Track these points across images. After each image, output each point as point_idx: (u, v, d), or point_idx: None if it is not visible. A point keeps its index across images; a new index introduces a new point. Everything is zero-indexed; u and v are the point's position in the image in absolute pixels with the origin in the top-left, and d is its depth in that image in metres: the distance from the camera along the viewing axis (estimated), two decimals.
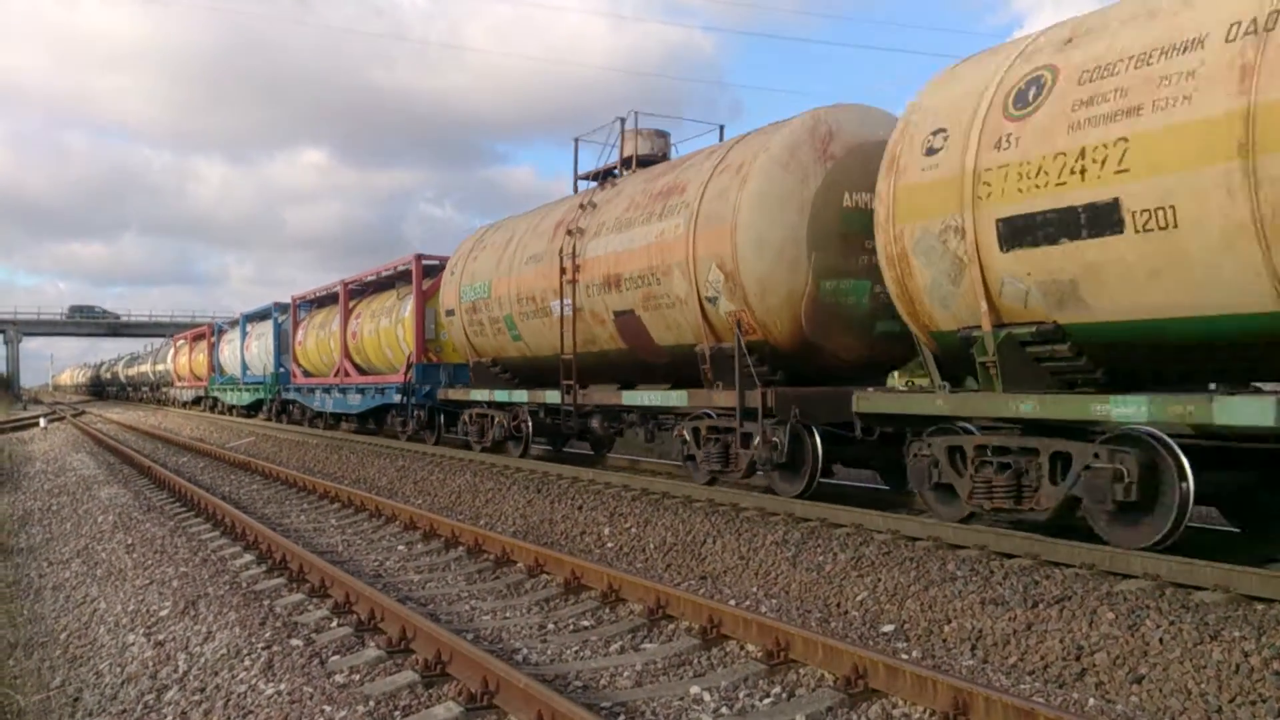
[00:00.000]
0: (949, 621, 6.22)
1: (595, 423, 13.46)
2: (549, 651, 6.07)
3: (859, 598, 6.90)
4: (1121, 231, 6.45)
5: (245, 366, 32.22)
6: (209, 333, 39.29)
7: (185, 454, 22.10)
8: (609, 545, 9.42)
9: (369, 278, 22.88)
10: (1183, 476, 6.59)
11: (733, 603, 7.00)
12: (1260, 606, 5.67)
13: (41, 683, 6.53)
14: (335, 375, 23.36)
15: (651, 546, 9.06)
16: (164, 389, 51.98)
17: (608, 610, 6.95)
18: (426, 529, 10.15)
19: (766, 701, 5.11)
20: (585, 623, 6.73)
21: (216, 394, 36.89)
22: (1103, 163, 6.52)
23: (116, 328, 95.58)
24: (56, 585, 9.13)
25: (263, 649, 5.96)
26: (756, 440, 9.93)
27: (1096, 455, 6.97)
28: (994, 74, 7.67)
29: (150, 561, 9.05)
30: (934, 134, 7.94)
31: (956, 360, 8.13)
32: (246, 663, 5.78)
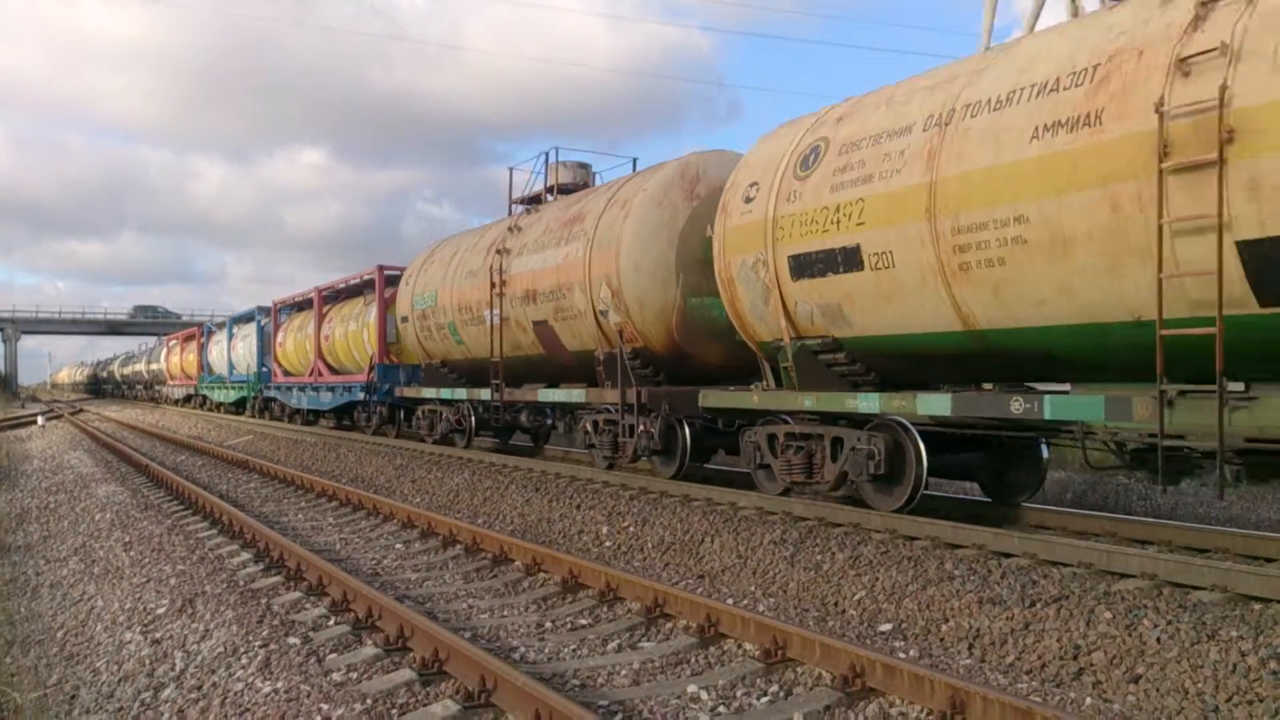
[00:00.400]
0: (946, 620, 6.22)
1: (524, 417, 15.61)
2: (546, 650, 6.07)
3: (856, 597, 6.91)
4: (863, 269, 8.49)
5: (231, 366, 34.14)
6: (199, 334, 41.20)
7: (183, 452, 22.09)
8: (607, 544, 9.42)
9: (340, 285, 24.68)
10: (919, 456, 8.56)
11: (730, 601, 7.01)
12: (1258, 606, 5.68)
13: (39, 680, 6.52)
14: (310, 375, 25.15)
15: (649, 545, 9.06)
16: (157, 387, 54.39)
17: (605, 609, 6.95)
18: (424, 527, 10.15)
19: (764, 700, 5.10)
20: (583, 621, 6.73)
21: (205, 392, 38.93)
22: (850, 217, 8.57)
23: (115, 326, 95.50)
24: (54, 583, 9.12)
25: (260, 647, 5.96)
26: (640, 430, 11.79)
27: (859, 439, 8.90)
28: (791, 141, 9.72)
29: (148, 559, 9.04)
30: (750, 186, 9.97)
31: (775, 365, 9.96)
32: (244, 661, 5.78)
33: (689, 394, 11.31)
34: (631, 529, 9.57)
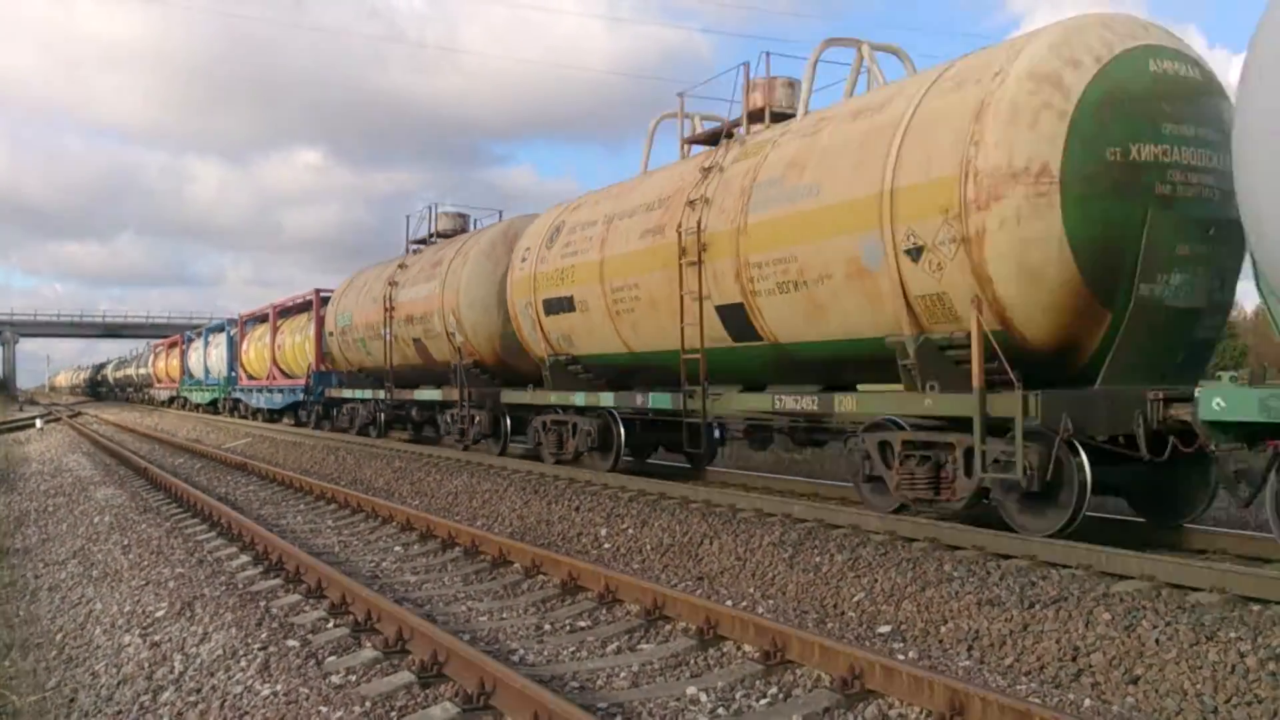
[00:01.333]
0: (945, 622, 6.22)
1: (414, 412, 20.10)
2: (546, 652, 6.07)
3: (856, 598, 6.91)
4: (575, 311, 13.30)
5: (207, 371, 39.12)
6: (180, 341, 46.28)
7: (182, 455, 22.08)
8: (606, 546, 9.42)
9: (289, 303, 29.50)
10: (618, 436, 13.01)
11: (729, 603, 7.01)
12: (1256, 607, 5.68)
13: (37, 683, 6.52)
14: (267, 379, 30.02)
15: (648, 547, 9.06)
16: (145, 389, 60.18)
17: (604, 611, 6.95)
18: (423, 530, 10.14)
19: (763, 702, 5.10)
20: (582, 623, 6.73)
21: (185, 394, 44.02)
22: (569, 276, 13.39)
23: (113, 329, 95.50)
24: (52, 586, 9.11)
25: (259, 650, 5.95)
26: (479, 420, 16.59)
27: (586, 424, 13.33)
28: (549, 220, 14.81)
29: (146, 562, 9.03)
30: (525, 250, 14.92)
31: (545, 373, 14.43)
32: (243, 664, 5.77)
33: (496, 393, 15.94)
34: (630, 531, 9.57)
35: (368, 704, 5.00)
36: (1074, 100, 7.35)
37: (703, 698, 5.15)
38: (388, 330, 19.64)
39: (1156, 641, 5.32)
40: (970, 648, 5.89)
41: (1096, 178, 7.32)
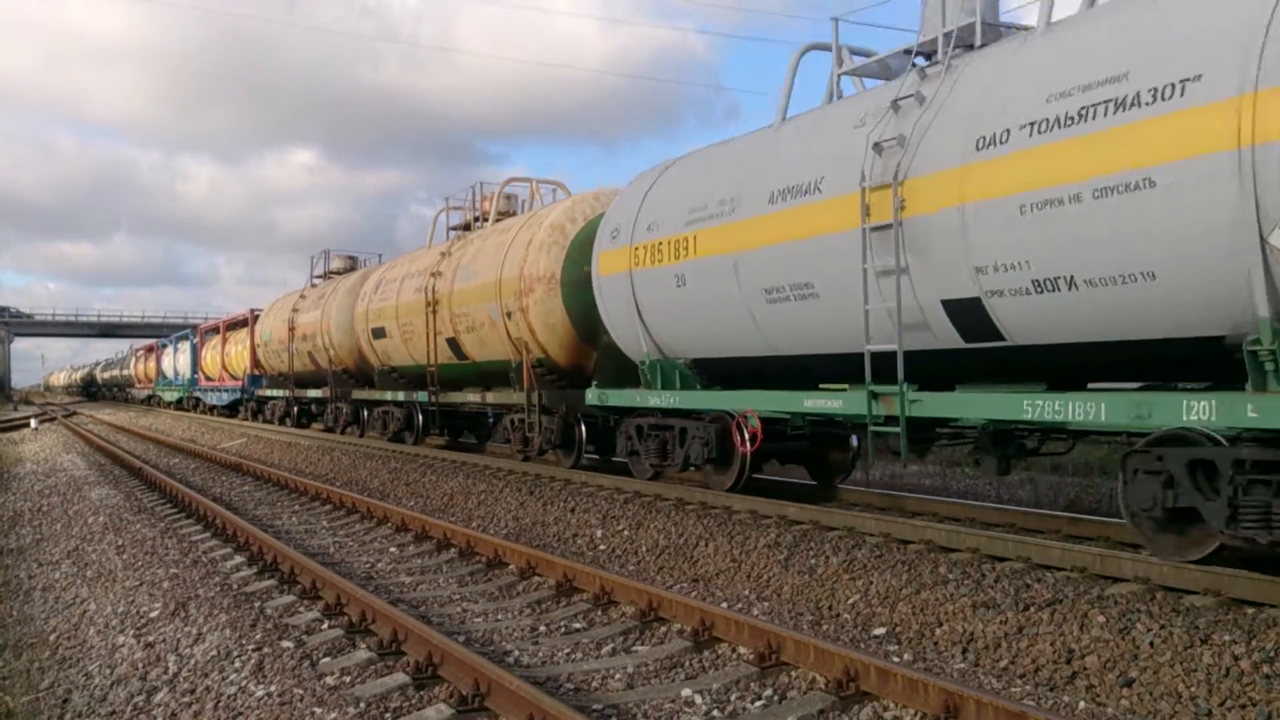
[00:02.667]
0: (940, 624, 6.23)
1: (313, 407, 26.14)
2: (540, 654, 6.06)
3: (851, 601, 6.91)
4: (387, 337, 19.35)
5: (176, 373, 45.96)
6: (156, 347, 54.00)
7: (177, 455, 22.04)
8: (601, 548, 9.42)
9: (235, 319, 36.17)
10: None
11: (725, 605, 7.00)
12: (1250, 610, 5.68)
13: (31, 684, 6.50)
14: (218, 380, 36.84)
15: (644, 549, 9.06)
16: (127, 389, 67.94)
17: (600, 612, 6.95)
18: (418, 531, 10.13)
19: (758, 704, 5.10)
20: (577, 625, 6.72)
21: (159, 393, 51.36)
22: (382, 314, 19.50)
23: (108, 329, 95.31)
24: (46, 586, 9.09)
25: (253, 651, 5.95)
26: (344, 410, 22.57)
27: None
28: (366, 275, 22.41)
29: (141, 563, 9.01)
30: (362, 293, 21.26)
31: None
32: (237, 664, 5.76)
33: (350, 390, 22.73)
34: (626, 532, 9.56)
35: (362, 705, 4.99)
36: (568, 240, 13.88)
37: (698, 699, 5.15)
38: (292, 345, 25.93)
39: (1151, 644, 5.33)
40: (965, 650, 5.89)
41: (577, 280, 13.48)
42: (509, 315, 14.10)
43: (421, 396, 17.94)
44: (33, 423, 36.37)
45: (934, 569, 7.02)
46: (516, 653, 6.07)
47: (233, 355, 34.23)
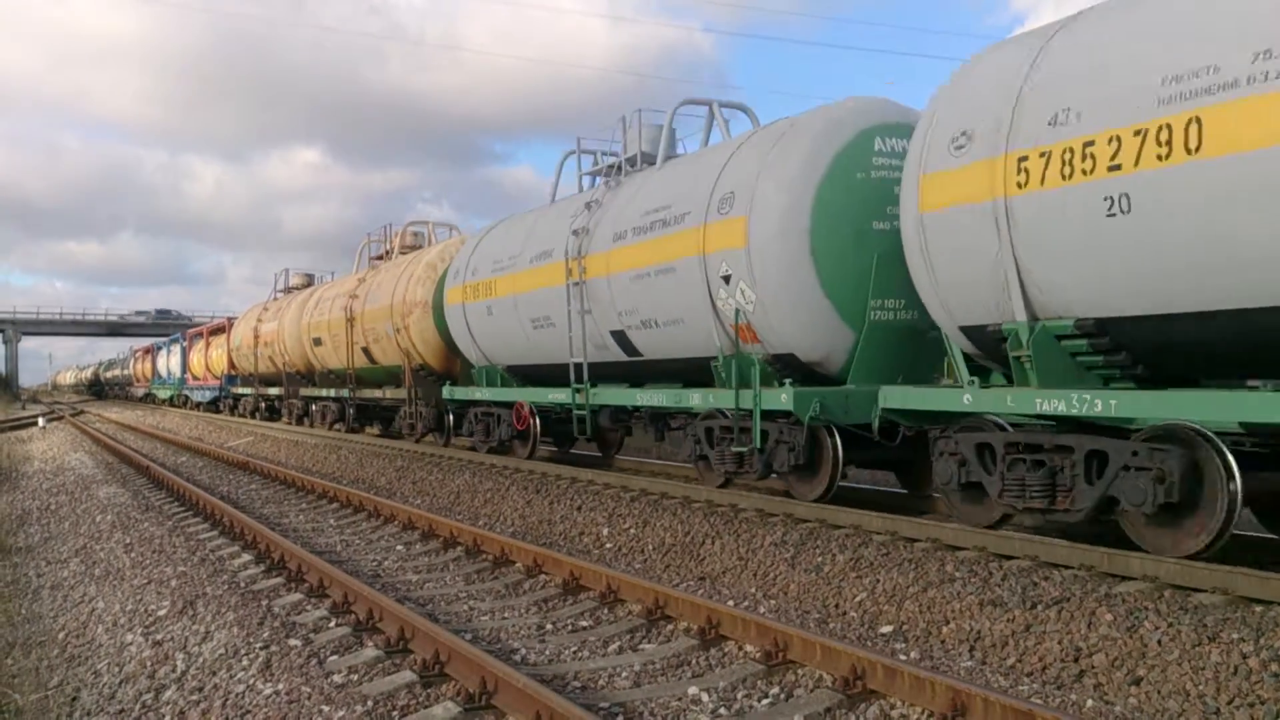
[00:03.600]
0: (947, 623, 6.22)
1: (276, 403, 29.93)
2: (547, 652, 6.07)
3: (857, 599, 6.90)
4: (323, 345, 24.59)
5: (169, 372, 50.66)
6: (152, 349, 58.58)
7: (184, 453, 22.10)
8: (608, 546, 9.42)
9: (216, 326, 40.76)
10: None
11: (731, 603, 7.00)
12: (1259, 609, 5.67)
13: (40, 682, 6.53)
14: (202, 379, 41.78)
15: (650, 547, 9.06)
16: (127, 387, 72.81)
17: (606, 610, 6.95)
18: (425, 529, 10.15)
19: (765, 702, 5.10)
20: (584, 623, 6.73)
21: (154, 390, 56.27)
22: (319, 327, 24.42)
23: (116, 328, 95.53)
24: (55, 584, 9.12)
25: (261, 649, 5.96)
26: (296, 405, 26.90)
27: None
28: (311, 291, 27.21)
29: (148, 561, 9.04)
30: (301, 305, 26.37)
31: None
32: (244, 662, 5.78)
33: (297, 388, 27.82)
34: (632, 531, 9.57)
35: (369, 703, 5.00)
36: (438, 275, 17.70)
37: (704, 698, 5.15)
38: (257, 350, 30.30)
39: (1159, 642, 5.31)
40: (972, 648, 5.88)
41: (441, 305, 17.11)
42: (398, 330, 18.75)
43: (345, 393, 22.99)
44: (40, 421, 36.48)
45: (941, 567, 7.01)
46: (523, 651, 6.08)
47: (214, 358, 39.15)
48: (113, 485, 15.41)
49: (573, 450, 16.96)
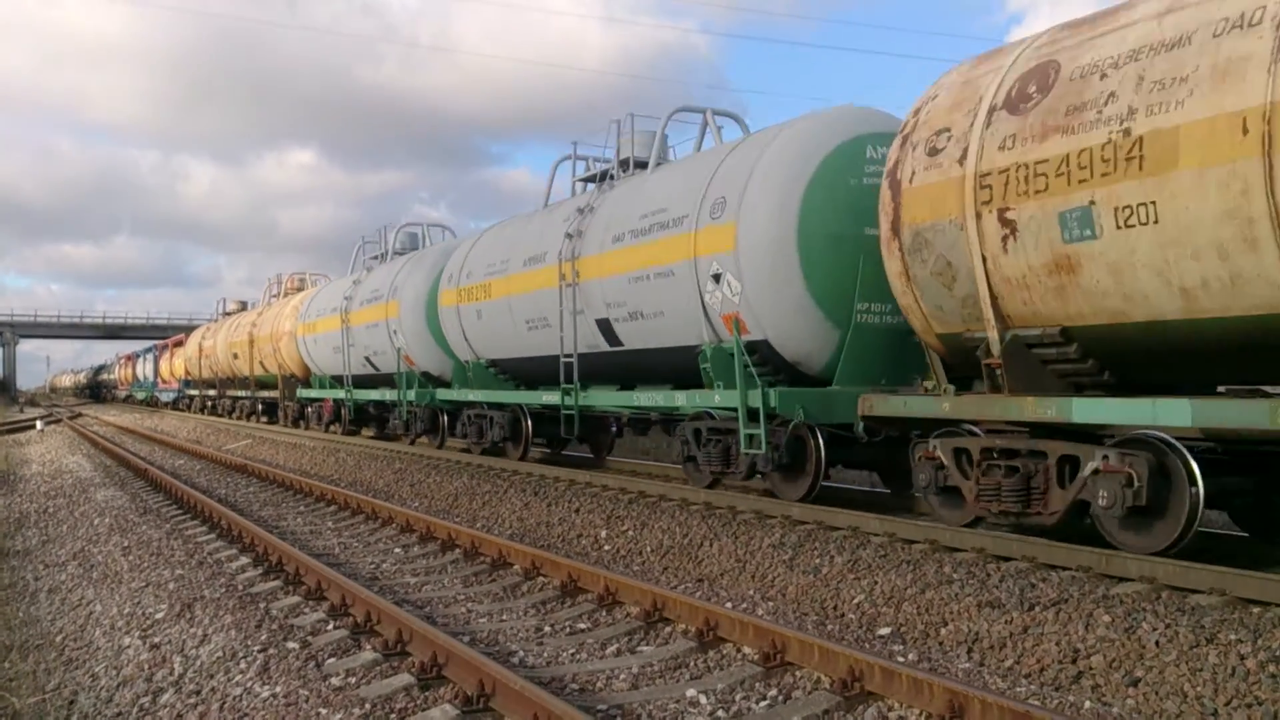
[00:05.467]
0: (945, 624, 6.22)
1: (230, 401, 35.47)
2: (545, 654, 6.06)
3: (856, 600, 6.90)
4: (238, 359, 34.73)
5: (144, 377, 60.43)
6: (133, 357, 68.48)
7: (182, 456, 22.08)
8: (606, 548, 9.42)
9: (181, 339, 49.11)
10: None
11: (729, 605, 7.00)
12: (1256, 610, 5.68)
13: (37, 685, 6.52)
14: (169, 382, 50.82)
15: (648, 549, 9.06)
16: (114, 390, 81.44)
17: (604, 613, 6.95)
18: (423, 532, 10.14)
19: (763, 704, 5.10)
20: (582, 625, 6.72)
21: (133, 393, 65.67)
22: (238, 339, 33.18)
23: (113, 330, 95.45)
24: (52, 588, 9.11)
25: (259, 652, 5.95)
26: (225, 402, 37.08)
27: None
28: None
29: (146, 564, 9.03)
30: (231, 327, 35.51)
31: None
32: (242, 665, 5.77)
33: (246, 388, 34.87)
34: (630, 533, 9.56)
35: (367, 706, 5.00)
36: (298, 313, 25.71)
37: (702, 700, 5.15)
38: (201, 360, 39.43)
39: (1157, 644, 5.32)
40: (970, 650, 5.88)
41: (297, 332, 25.94)
42: (275, 350, 24.65)
43: (247, 393, 33.28)
44: (38, 424, 36.44)
45: (939, 569, 7.02)
46: (521, 653, 6.08)
47: (175, 365, 48.55)
48: (111, 488, 15.39)
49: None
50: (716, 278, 10.15)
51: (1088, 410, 6.93)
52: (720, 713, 5.00)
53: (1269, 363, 6.38)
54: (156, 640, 6.63)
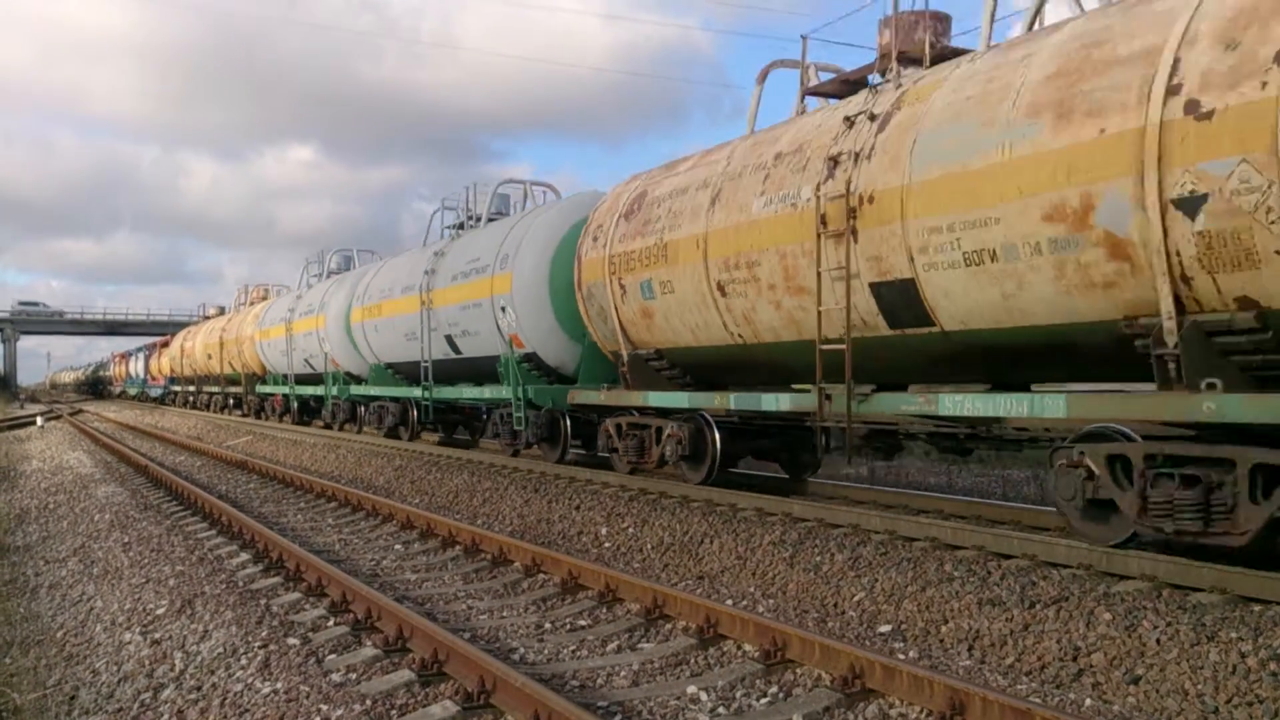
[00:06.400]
0: (946, 622, 6.22)
1: (212, 397, 38.94)
2: (546, 651, 6.06)
3: (856, 598, 6.91)
4: (211, 359, 39.00)
5: (136, 374, 64.36)
6: (126, 355, 72.38)
7: (182, 453, 22.08)
8: (606, 545, 9.42)
9: (167, 339, 52.83)
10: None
11: (730, 603, 7.00)
12: (1257, 608, 5.67)
13: (38, 681, 6.52)
14: (156, 379, 54.88)
15: (649, 546, 9.06)
16: (109, 386, 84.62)
17: (605, 610, 6.95)
18: (424, 528, 10.14)
19: (763, 701, 5.10)
20: (582, 622, 6.73)
21: (126, 389, 69.69)
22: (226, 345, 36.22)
23: (113, 327, 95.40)
24: (53, 584, 9.12)
25: (259, 648, 5.96)
26: (201, 396, 41.86)
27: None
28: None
29: (147, 560, 9.04)
30: (207, 330, 39.84)
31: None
32: (243, 661, 5.78)
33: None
34: (631, 530, 9.57)
35: (368, 702, 5.00)
36: (258, 321, 30.99)
37: (703, 697, 5.15)
38: (182, 359, 43.63)
39: (1157, 641, 5.32)
40: (971, 647, 5.88)
41: (256, 338, 31.72)
42: (240, 352, 30.53)
43: (218, 388, 37.61)
44: (39, 420, 36.44)
45: (939, 566, 7.02)
46: (522, 650, 6.08)
47: (162, 364, 52.19)
48: (111, 484, 15.40)
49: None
50: (504, 309, 14.31)
51: (663, 398, 11.29)
52: (721, 710, 5.00)
53: (742, 371, 10.76)
54: (157, 636, 6.64)
